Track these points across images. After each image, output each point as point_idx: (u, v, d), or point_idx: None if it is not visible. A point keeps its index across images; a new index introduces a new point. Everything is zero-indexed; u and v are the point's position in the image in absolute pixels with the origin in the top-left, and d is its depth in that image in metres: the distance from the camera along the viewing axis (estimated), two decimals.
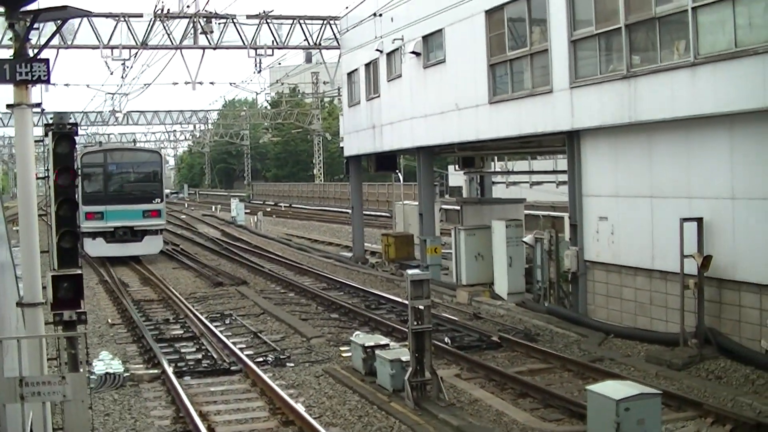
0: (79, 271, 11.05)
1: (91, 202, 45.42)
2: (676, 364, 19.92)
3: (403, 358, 18.90)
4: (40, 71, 11.13)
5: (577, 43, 24.78)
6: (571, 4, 24.77)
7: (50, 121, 11.44)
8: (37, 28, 14.50)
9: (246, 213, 78.54)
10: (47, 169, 11.26)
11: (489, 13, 29.14)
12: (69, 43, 44.53)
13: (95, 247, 46.37)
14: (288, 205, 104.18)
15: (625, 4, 22.39)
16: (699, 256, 20.25)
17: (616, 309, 24.10)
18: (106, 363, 20.75)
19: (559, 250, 27.16)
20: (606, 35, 23.61)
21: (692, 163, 21.07)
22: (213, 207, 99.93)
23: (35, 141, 11.78)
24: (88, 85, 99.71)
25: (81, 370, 10.16)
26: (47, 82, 11.36)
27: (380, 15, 37.17)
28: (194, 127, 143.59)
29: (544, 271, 27.95)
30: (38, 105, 11.70)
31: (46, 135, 11.17)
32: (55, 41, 42.47)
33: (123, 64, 47.17)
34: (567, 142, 26.01)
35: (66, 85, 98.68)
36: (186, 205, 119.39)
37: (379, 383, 19.63)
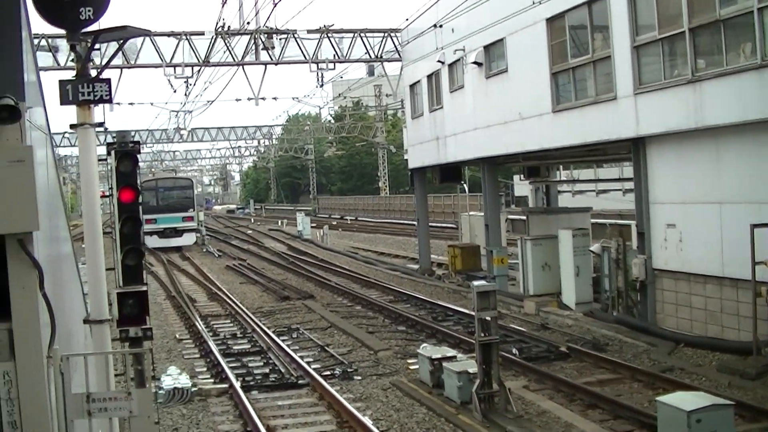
0: (144, 288, 11.09)
1: (148, 212, 61.81)
2: (749, 374, 19.56)
3: (471, 370, 18.81)
4: (102, 91, 11.17)
5: (640, 48, 24.54)
6: (633, 10, 24.53)
7: (113, 140, 11.52)
8: (99, 49, 14.64)
9: (312, 227, 78.84)
10: (111, 188, 11.33)
11: (550, 21, 28.97)
12: (132, 62, 45.06)
13: (151, 242, 66.52)
14: (354, 218, 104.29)
15: (689, 7, 22.12)
16: None
17: (686, 317, 23.77)
18: (174, 378, 20.92)
19: (626, 259, 26.87)
20: (669, 40, 23.33)
21: (762, 167, 20.69)
22: (279, 222, 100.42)
23: (99, 160, 11.84)
24: (152, 104, 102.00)
25: (147, 385, 10.19)
26: (109, 101, 11.40)
27: (441, 26, 37.11)
28: (258, 142, 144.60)
29: (612, 280, 27.67)
30: (101, 124, 11.75)
31: (109, 154, 11.24)
32: (119, 61, 43.11)
33: (186, 81, 47.70)
34: (632, 150, 25.73)
35: (130, 103, 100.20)
36: (252, 221, 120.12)
37: (446, 395, 19.55)
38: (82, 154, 11.44)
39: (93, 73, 11.67)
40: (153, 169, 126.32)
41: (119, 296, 10.78)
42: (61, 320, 9.00)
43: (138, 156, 11.37)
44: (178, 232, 69.91)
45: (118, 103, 49.76)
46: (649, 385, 19.78)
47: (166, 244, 68.30)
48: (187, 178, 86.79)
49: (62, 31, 11.39)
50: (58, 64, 42.25)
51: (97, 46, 11.72)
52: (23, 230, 7.66)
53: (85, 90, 11.04)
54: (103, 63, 14.76)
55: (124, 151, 11.12)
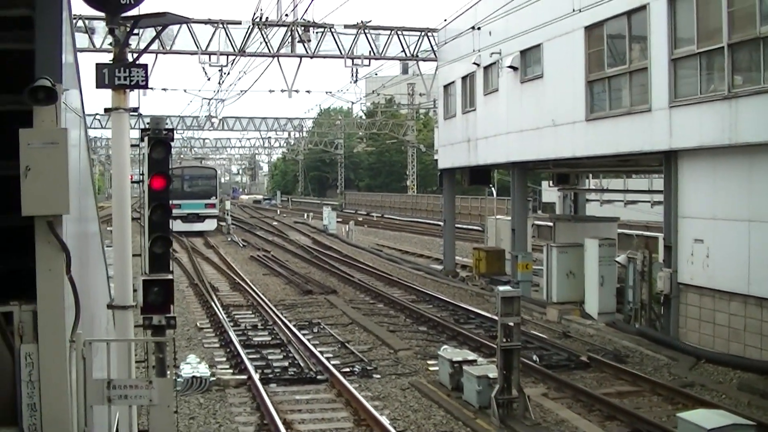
0: (170, 277, 11.09)
1: (173, 197, 55.97)
2: None
3: (491, 375, 18.75)
4: (138, 76, 11.19)
5: (677, 61, 24.39)
6: (672, 22, 24.39)
7: (147, 126, 11.53)
8: (137, 34, 14.67)
9: (338, 222, 78.84)
10: (142, 173, 11.33)
11: (588, 29, 28.85)
12: (168, 48, 45.19)
13: (175, 226, 58.77)
14: (380, 215, 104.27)
15: (729, 23, 21.97)
16: None
17: (709, 333, 23.61)
18: (193, 366, 20.93)
19: (652, 271, 26.76)
20: (707, 54, 23.18)
21: None
22: (305, 215, 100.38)
23: (131, 145, 11.85)
24: (185, 90, 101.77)
25: (168, 374, 10.19)
26: (145, 87, 11.42)
27: (478, 28, 37.03)
28: (289, 134, 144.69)
29: (636, 292, 27.56)
30: (135, 109, 11.77)
31: (142, 140, 11.24)
32: (154, 46, 43.16)
33: (220, 70, 47.78)
34: (664, 162, 25.58)
35: (164, 89, 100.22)
36: (278, 212, 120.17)
37: (465, 399, 19.50)
38: (115, 138, 11.47)
39: (130, 57, 11.70)
40: (182, 155, 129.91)
41: (145, 283, 10.80)
42: (85, 304, 9.01)
43: (171, 144, 11.38)
44: (200, 218, 73.12)
45: (152, 88, 49.84)
46: (668, 400, 19.67)
47: (188, 228, 70.74)
48: (211, 167, 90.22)
49: (100, 13, 11.41)
50: (94, 46, 42.41)
51: (135, 31, 11.74)
52: (53, 213, 7.65)
53: (122, 74, 11.08)
54: (141, 48, 14.77)
55: (158, 138, 11.13)
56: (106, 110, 11.37)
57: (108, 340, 9.93)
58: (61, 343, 7.85)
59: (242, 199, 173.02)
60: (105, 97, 11.45)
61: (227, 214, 78.07)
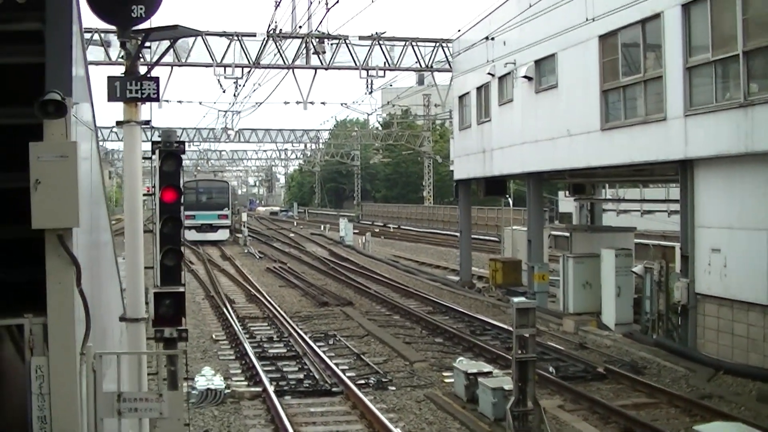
0: (181, 289, 11.06)
1: (188, 209, 64.27)
2: None
3: (506, 387, 18.67)
4: (150, 89, 11.19)
5: (692, 70, 24.31)
6: (687, 30, 24.30)
7: (158, 138, 11.53)
8: (149, 47, 14.68)
9: (354, 233, 78.85)
10: (154, 186, 11.33)
11: (603, 38, 28.80)
12: (183, 60, 45.32)
13: (189, 235, 70.62)
14: (397, 226, 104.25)
15: (744, 30, 21.87)
16: None
17: (727, 344, 23.45)
18: (207, 379, 20.91)
19: (669, 282, 26.63)
20: (722, 62, 23.09)
21: None
22: (322, 226, 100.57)
23: (144, 157, 11.85)
24: (200, 102, 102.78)
25: (179, 388, 10.15)
26: (156, 100, 11.40)
27: (492, 39, 37.02)
28: (305, 146, 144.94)
29: (653, 303, 27.44)
30: (147, 122, 11.77)
31: (154, 152, 11.24)
32: (169, 58, 43.39)
33: (235, 82, 47.95)
34: (680, 172, 25.46)
35: (179, 101, 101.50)
36: (295, 224, 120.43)
37: (480, 411, 19.44)
38: (127, 151, 11.48)
39: (142, 70, 11.70)
40: (199, 167, 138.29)
41: (156, 296, 10.77)
42: (96, 316, 9.00)
43: (182, 156, 11.37)
44: (213, 228, 77.78)
45: (167, 101, 50.13)
46: (686, 412, 19.53)
47: (202, 238, 75.31)
48: (224, 180, 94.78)
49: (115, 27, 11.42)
50: (110, 59, 42.53)
51: (147, 44, 11.74)
52: (63, 226, 7.65)
53: (133, 87, 11.08)
54: (153, 61, 14.79)
55: (169, 150, 11.12)
56: (118, 123, 11.39)
57: (118, 353, 9.91)
58: (71, 355, 7.85)
59: (259, 211, 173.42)
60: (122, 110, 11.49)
61: (243, 226, 78.52)
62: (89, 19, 10.67)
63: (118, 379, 9.25)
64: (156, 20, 10.96)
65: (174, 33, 11.84)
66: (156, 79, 11.33)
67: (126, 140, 11.42)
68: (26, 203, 7.56)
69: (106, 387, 8.74)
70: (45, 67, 7.84)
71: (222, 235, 78.82)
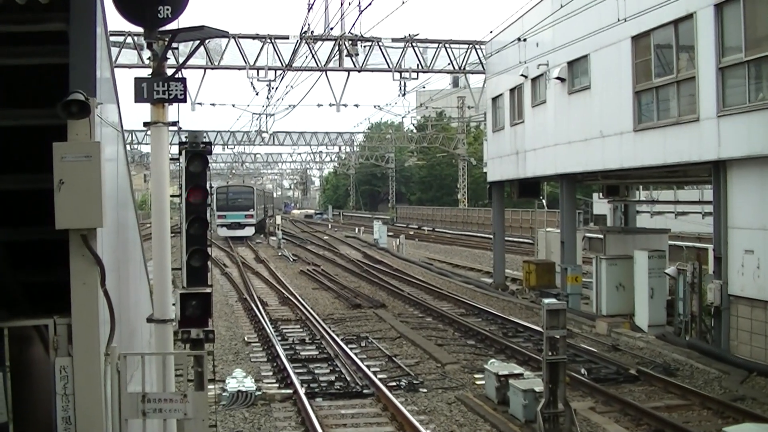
0: (208, 290, 11.08)
1: (220, 209, 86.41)
2: None
3: (537, 389, 18.62)
4: (177, 90, 11.19)
5: (725, 70, 24.13)
6: (719, 31, 24.13)
7: (185, 140, 11.56)
8: (176, 48, 14.71)
9: (389, 236, 78.86)
10: (181, 187, 11.35)
11: (635, 39, 28.64)
12: (216, 63, 45.47)
13: (222, 231, 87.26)
14: (431, 228, 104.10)
15: None
16: None
17: (761, 346, 23.25)
18: (239, 381, 20.96)
19: (702, 283, 26.45)
20: (756, 62, 22.91)
21: None
22: (356, 229, 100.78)
23: (171, 159, 11.87)
24: (233, 105, 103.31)
25: (205, 388, 10.16)
26: (184, 101, 11.41)
27: (525, 40, 36.93)
28: (339, 148, 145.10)
29: (686, 304, 27.25)
30: (175, 123, 11.78)
31: (180, 153, 11.26)
32: (202, 61, 43.55)
33: (268, 84, 47.98)
34: (713, 172, 25.29)
35: (212, 104, 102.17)
36: (329, 226, 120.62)
37: (511, 413, 19.40)
38: (154, 152, 11.48)
39: (170, 72, 11.73)
40: (233, 170, 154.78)
41: (182, 297, 10.79)
42: (124, 317, 9.02)
43: (208, 157, 11.39)
44: (241, 225, 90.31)
45: (200, 104, 50.23)
46: (718, 414, 19.38)
47: (232, 234, 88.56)
48: (250, 186, 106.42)
49: None
50: (143, 62, 42.70)
51: (175, 45, 11.76)
52: (87, 226, 7.66)
53: (160, 89, 11.08)
54: (187, 62, 14.82)
55: (195, 151, 11.14)
56: (146, 124, 11.41)
57: (143, 353, 9.94)
58: (95, 356, 7.85)
59: (294, 214, 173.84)
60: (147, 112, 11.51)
61: (278, 229, 79.65)
62: (120, 22, 10.73)
63: (143, 381, 9.26)
64: (186, 21, 10.98)
65: (201, 34, 11.83)
66: (183, 80, 11.34)
67: (153, 141, 11.43)
68: (50, 205, 7.59)
69: (133, 388, 8.76)
70: (69, 68, 7.87)
71: (248, 231, 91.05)
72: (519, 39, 37.41)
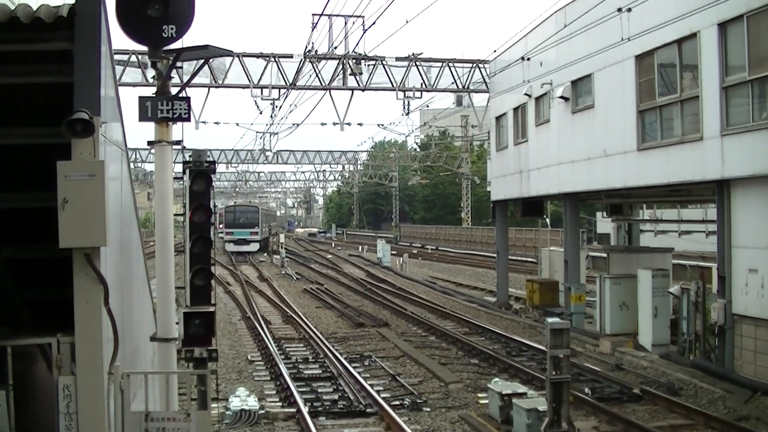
0: (211, 309, 11.07)
1: (228, 227, 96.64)
2: None
3: (540, 408, 18.56)
4: (181, 109, 11.23)
5: (728, 89, 24.14)
6: (723, 50, 24.14)
7: (188, 158, 11.57)
8: (181, 67, 14.73)
9: (392, 254, 78.80)
10: (184, 206, 11.36)
11: (639, 58, 28.67)
12: (220, 82, 45.55)
13: (229, 247, 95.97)
14: (435, 247, 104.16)
15: None
16: None
17: (765, 365, 23.17)
18: (242, 399, 20.91)
19: (706, 302, 26.40)
20: (759, 81, 22.91)
21: None
22: (360, 247, 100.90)
23: (176, 177, 11.88)
24: (237, 124, 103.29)
25: (208, 407, 10.14)
26: (187, 120, 11.45)
27: (528, 59, 37.00)
28: (343, 167, 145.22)
29: (690, 323, 27.18)
30: (178, 142, 11.79)
31: (184, 172, 11.27)
32: (206, 80, 43.62)
33: (272, 103, 48.06)
34: (716, 192, 25.26)
35: (216, 123, 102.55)
36: (333, 245, 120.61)
37: None
38: (158, 171, 11.50)
39: (175, 91, 11.75)
40: (237, 189, 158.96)
41: (185, 316, 10.78)
42: (128, 336, 9.02)
43: (212, 176, 11.39)
44: (246, 242, 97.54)
45: (204, 122, 50.28)
46: None
47: (238, 249, 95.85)
48: (255, 205, 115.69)
49: None
50: (147, 81, 42.79)
51: (180, 64, 11.79)
52: (90, 245, 7.68)
53: (164, 107, 11.12)
54: (190, 81, 14.83)
55: (199, 170, 11.15)
56: (149, 143, 11.43)
57: (146, 372, 9.93)
58: (98, 375, 7.86)
59: (297, 232, 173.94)
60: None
61: (281, 247, 78.69)
62: (125, 40, 10.76)
63: (146, 399, 9.25)
64: (190, 40, 11.01)
65: (205, 53, 11.88)
66: (187, 99, 11.37)
67: (157, 160, 11.45)
68: (53, 223, 7.60)
69: (136, 407, 8.75)
70: (73, 87, 7.89)
71: (253, 247, 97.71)
72: (523, 58, 37.49)
